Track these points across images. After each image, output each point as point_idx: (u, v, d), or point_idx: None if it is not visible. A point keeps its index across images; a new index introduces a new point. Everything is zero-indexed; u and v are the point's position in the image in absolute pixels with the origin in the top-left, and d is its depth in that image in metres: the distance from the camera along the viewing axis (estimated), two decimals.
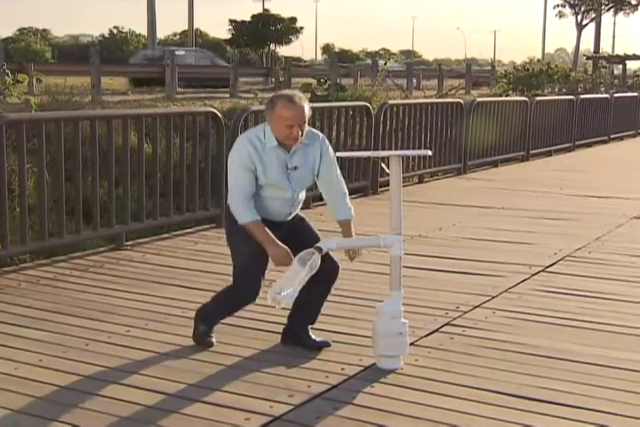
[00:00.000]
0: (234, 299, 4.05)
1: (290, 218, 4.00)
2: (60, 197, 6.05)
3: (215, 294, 4.22)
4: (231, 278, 4.03)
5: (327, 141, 4.03)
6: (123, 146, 6.50)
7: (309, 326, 4.13)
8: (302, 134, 3.84)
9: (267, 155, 3.85)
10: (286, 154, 3.88)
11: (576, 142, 15.11)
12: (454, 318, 4.67)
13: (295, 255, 3.67)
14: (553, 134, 14.11)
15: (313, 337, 4.12)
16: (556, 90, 23.60)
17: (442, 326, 4.53)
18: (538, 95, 17.58)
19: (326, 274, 3.90)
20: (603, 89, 24.93)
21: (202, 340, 4.13)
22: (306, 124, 3.84)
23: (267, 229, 3.81)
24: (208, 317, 4.16)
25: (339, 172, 4.09)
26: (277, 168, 3.87)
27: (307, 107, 3.83)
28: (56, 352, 4.02)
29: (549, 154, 14.05)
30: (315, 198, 7.42)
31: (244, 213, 3.83)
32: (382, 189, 9.26)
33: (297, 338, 4.11)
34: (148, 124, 6.96)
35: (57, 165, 6.02)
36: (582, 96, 16.01)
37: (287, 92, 3.92)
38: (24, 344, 4.14)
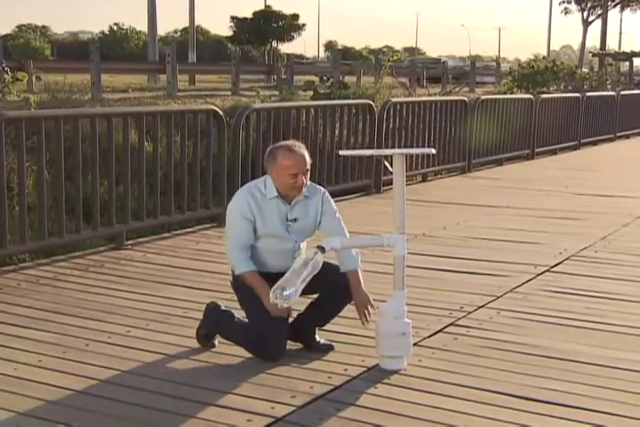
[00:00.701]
0: (254, 352, 3.97)
1: None
2: (60, 195, 6.06)
3: (238, 321, 4.05)
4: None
5: (329, 195, 4.09)
6: (123, 144, 6.50)
7: (317, 328, 4.15)
8: (306, 183, 3.91)
9: (266, 206, 3.92)
10: (286, 206, 3.95)
11: (582, 141, 15.09)
12: (458, 319, 4.67)
13: (312, 288, 3.71)
14: (558, 132, 14.10)
15: (318, 339, 4.12)
16: (562, 87, 23.55)
17: (446, 327, 4.53)
18: (543, 93, 17.56)
19: (343, 298, 3.98)
20: (609, 86, 24.91)
21: (204, 340, 4.14)
22: (308, 173, 3.92)
23: (263, 280, 3.87)
24: (216, 330, 4.12)
25: (342, 223, 4.08)
26: (277, 219, 3.93)
27: (307, 154, 3.93)
28: (56, 353, 4.02)
29: (555, 152, 14.04)
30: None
31: (240, 263, 3.92)
32: (385, 187, 9.28)
33: (301, 337, 4.11)
34: (148, 122, 6.96)
35: (56, 164, 6.02)
36: (588, 94, 15.98)
37: (285, 142, 4.02)
38: (23, 345, 4.14)
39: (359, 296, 3.93)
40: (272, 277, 3.88)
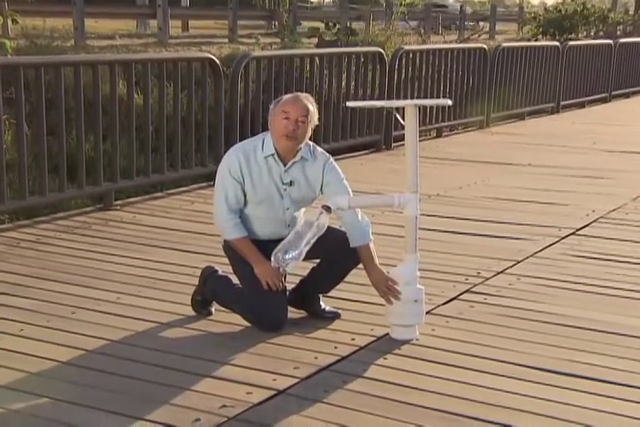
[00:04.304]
0: (252, 322, 4.00)
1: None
2: (42, 152, 6.05)
3: (236, 288, 4.06)
4: None
5: (334, 164, 4.05)
6: (110, 95, 6.48)
7: (321, 295, 4.18)
8: (301, 137, 3.88)
9: (259, 168, 3.92)
10: (282, 167, 3.93)
11: (613, 92, 15.02)
12: (475, 285, 4.70)
13: (314, 253, 3.72)
14: (587, 83, 14.01)
15: (323, 306, 4.16)
16: (592, 33, 23.35)
17: (461, 294, 4.56)
18: (571, 39, 17.41)
19: (347, 264, 4.01)
20: None
21: (199, 308, 4.17)
22: (307, 127, 3.89)
23: (254, 246, 3.91)
24: (212, 297, 4.15)
25: (350, 191, 4.02)
26: (269, 183, 3.93)
27: (312, 107, 3.92)
28: (39, 321, 4.05)
29: (582, 105, 13.98)
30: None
31: (228, 228, 3.96)
32: (396, 143, 9.26)
33: (305, 305, 4.15)
34: (137, 71, 6.93)
35: (37, 117, 6.01)
36: (622, 40, 15.83)
37: (294, 93, 4.09)
38: (4, 313, 4.17)
39: (375, 275, 3.92)
40: (263, 244, 3.92)
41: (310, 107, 3.92)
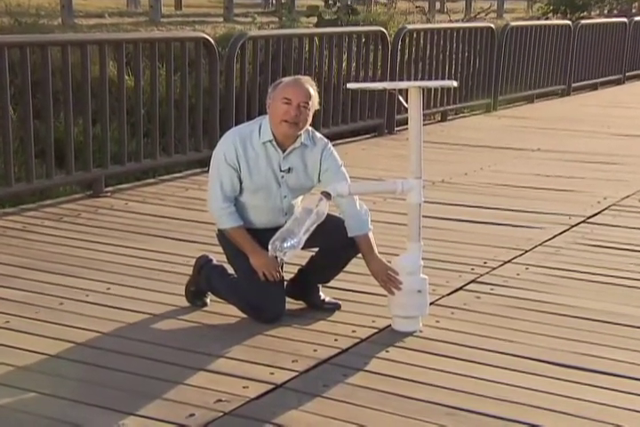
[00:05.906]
0: (249, 314, 4.02)
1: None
2: (28, 136, 6.05)
3: (232, 278, 4.08)
4: None
5: (332, 150, 4.07)
6: (100, 77, 6.48)
7: (320, 285, 4.19)
8: (303, 123, 3.88)
9: (256, 154, 3.92)
10: (280, 153, 3.94)
11: (627, 74, 14.99)
12: (481, 275, 4.71)
13: (313, 242, 3.73)
14: (600, 64, 13.98)
15: (322, 297, 4.17)
16: (606, 11, 23.29)
17: (467, 284, 4.57)
18: (583, 18, 17.38)
19: (347, 252, 4.02)
20: None
21: (194, 299, 4.19)
22: (308, 113, 3.90)
23: (249, 236, 3.93)
24: (207, 288, 4.16)
25: (347, 177, 4.03)
26: (267, 170, 3.94)
27: (313, 91, 3.92)
28: (26, 313, 4.07)
29: (595, 87, 13.96)
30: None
31: (222, 216, 3.97)
32: (399, 127, 9.27)
33: (303, 295, 4.16)
34: (128, 51, 6.92)
35: (23, 100, 6.00)
36: (637, 18, 15.78)
37: (294, 76, 4.10)
38: None
39: (374, 265, 3.94)
40: (258, 233, 3.93)
41: (312, 91, 3.92)
